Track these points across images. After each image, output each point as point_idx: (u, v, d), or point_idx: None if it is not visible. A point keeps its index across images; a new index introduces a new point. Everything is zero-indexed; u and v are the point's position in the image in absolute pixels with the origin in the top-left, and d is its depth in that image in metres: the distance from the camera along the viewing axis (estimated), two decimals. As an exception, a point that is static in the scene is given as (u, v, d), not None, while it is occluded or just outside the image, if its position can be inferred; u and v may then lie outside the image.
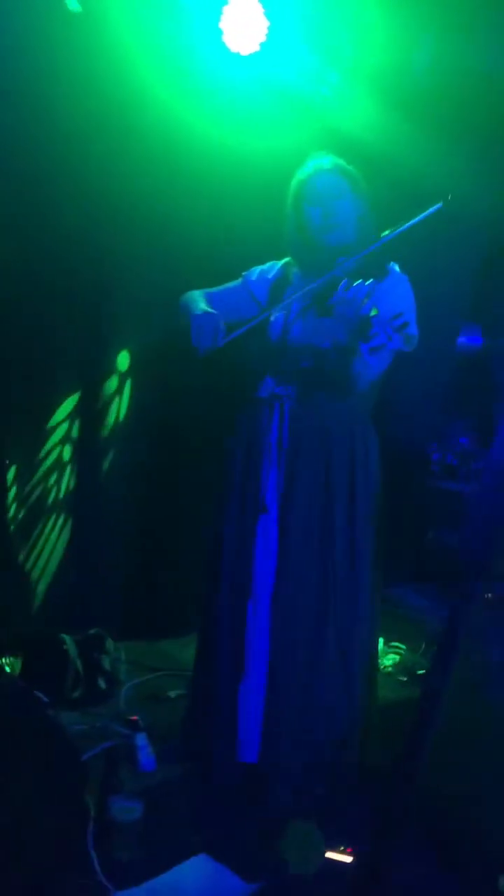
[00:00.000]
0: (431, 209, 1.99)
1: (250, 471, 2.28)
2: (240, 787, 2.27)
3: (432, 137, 2.97)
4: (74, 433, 3.10)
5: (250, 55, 2.74)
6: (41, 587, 3.03)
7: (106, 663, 2.84)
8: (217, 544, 2.33)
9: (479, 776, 2.22)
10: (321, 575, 2.22)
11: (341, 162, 2.28)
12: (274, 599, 2.22)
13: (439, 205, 1.98)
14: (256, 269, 2.41)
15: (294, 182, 2.29)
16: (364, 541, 2.27)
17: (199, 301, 2.30)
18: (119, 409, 3.20)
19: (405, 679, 3.15)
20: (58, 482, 3.08)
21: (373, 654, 2.40)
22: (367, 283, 1.94)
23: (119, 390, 3.18)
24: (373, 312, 1.88)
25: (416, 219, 2.01)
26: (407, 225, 2.03)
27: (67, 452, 3.10)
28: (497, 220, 3.41)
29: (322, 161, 2.27)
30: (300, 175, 2.28)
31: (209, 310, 2.21)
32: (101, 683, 2.80)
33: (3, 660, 2.74)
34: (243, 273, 2.40)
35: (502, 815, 0.96)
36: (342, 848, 1.98)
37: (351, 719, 2.28)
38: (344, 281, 1.98)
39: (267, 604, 2.22)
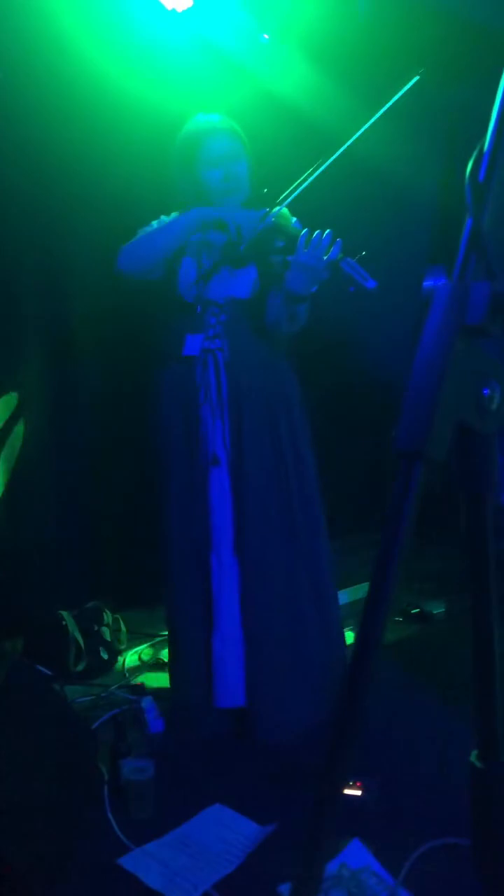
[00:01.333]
0: (410, 83, 2.02)
1: (191, 427, 2.28)
2: (233, 734, 2.32)
3: (364, 99, 2.94)
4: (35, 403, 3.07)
5: (184, 12, 2.70)
6: (32, 566, 3.05)
7: (106, 634, 2.88)
8: (164, 502, 2.33)
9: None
10: (283, 519, 2.27)
11: (231, 121, 2.30)
12: (239, 549, 2.25)
13: (416, 77, 2.02)
14: (154, 224, 2.35)
15: (185, 139, 2.29)
16: (311, 477, 2.34)
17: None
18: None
19: (400, 619, 3.22)
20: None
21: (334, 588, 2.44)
22: (325, 232, 2.00)
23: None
24: (340, 257, 1.97)
25: (397, 95, 2.03)
26: (389, 103, 2.05)
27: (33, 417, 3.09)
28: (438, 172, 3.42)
29: (212, 119, 2.28)
30: (191, 132, 2.28)
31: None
32: (103, 654, 2.85)
33: (6, 643, 2.77)
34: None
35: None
36: (350, 782, 2.02)
37: (336, 648, 2.36)
38: (302, 235, 2.03)
39: (231, 554, 2.25)
